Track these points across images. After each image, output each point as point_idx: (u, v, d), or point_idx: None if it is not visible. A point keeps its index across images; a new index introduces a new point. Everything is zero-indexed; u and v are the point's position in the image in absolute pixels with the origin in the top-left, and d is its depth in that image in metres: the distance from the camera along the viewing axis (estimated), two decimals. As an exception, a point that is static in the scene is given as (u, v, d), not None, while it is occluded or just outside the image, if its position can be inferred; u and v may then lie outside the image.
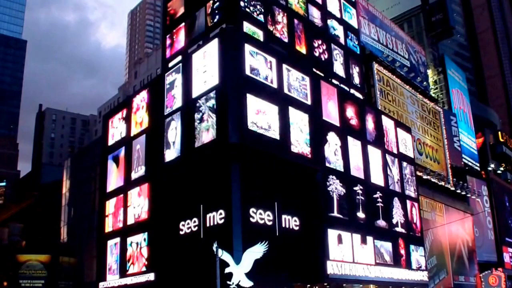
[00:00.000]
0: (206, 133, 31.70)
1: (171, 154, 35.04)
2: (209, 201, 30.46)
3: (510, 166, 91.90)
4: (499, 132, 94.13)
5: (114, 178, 42.40)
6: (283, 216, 31.72)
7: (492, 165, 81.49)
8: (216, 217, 29.67)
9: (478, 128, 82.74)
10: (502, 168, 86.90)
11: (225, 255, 27.50)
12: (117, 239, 39.86)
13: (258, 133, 31.46)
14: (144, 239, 36.71)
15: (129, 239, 38.32)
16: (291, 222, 32.29)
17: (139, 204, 38.02)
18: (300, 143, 34.73)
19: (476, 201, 67.82)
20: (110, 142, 44.23)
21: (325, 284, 35.30)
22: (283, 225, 31.58)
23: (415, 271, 44.87)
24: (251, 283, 28.36)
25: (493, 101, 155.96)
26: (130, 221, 38.79)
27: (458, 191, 62.91)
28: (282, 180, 32.70)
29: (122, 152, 41.85)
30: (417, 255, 46.00)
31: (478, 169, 74.44)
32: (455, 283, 56.52)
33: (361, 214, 39.46)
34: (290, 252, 31.48)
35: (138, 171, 39.05)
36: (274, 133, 32.70)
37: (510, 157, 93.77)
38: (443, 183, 60.22)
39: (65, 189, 75.23)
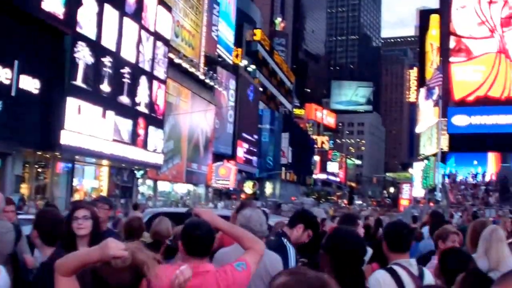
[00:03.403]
0: None
1: None
2: None
3: (261, 65, 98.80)
4: (257, 30, 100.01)
5: None
6: (23, 77, 30.94)
7: (245, 61, 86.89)
8: None
9: (239, 22, 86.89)
10: (253, 66, 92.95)
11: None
12: None
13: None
14: None
15: None
16: (31, 84, 31.70)
17: None
18: (54, 1, 33.42)
19: (222, 94, 72.00)
20: None
21: (57, 153, 35.72)
22: (21, 87, 30.91)
23: (151, 152, 47.13)
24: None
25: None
26: None
27: (207, 80, 65.45)
28: (27, 38, 31.63)
29: None
30: (155, 137, 48.03)
31: (231, 62, 78.73)
32: (187, 169, 60.35)
33: (105, 87, 39.73)
34: (26, 116, 31.13)
35: None
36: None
37: (262, 56, 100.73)
38: (193, 70, 62.06)
39: None
